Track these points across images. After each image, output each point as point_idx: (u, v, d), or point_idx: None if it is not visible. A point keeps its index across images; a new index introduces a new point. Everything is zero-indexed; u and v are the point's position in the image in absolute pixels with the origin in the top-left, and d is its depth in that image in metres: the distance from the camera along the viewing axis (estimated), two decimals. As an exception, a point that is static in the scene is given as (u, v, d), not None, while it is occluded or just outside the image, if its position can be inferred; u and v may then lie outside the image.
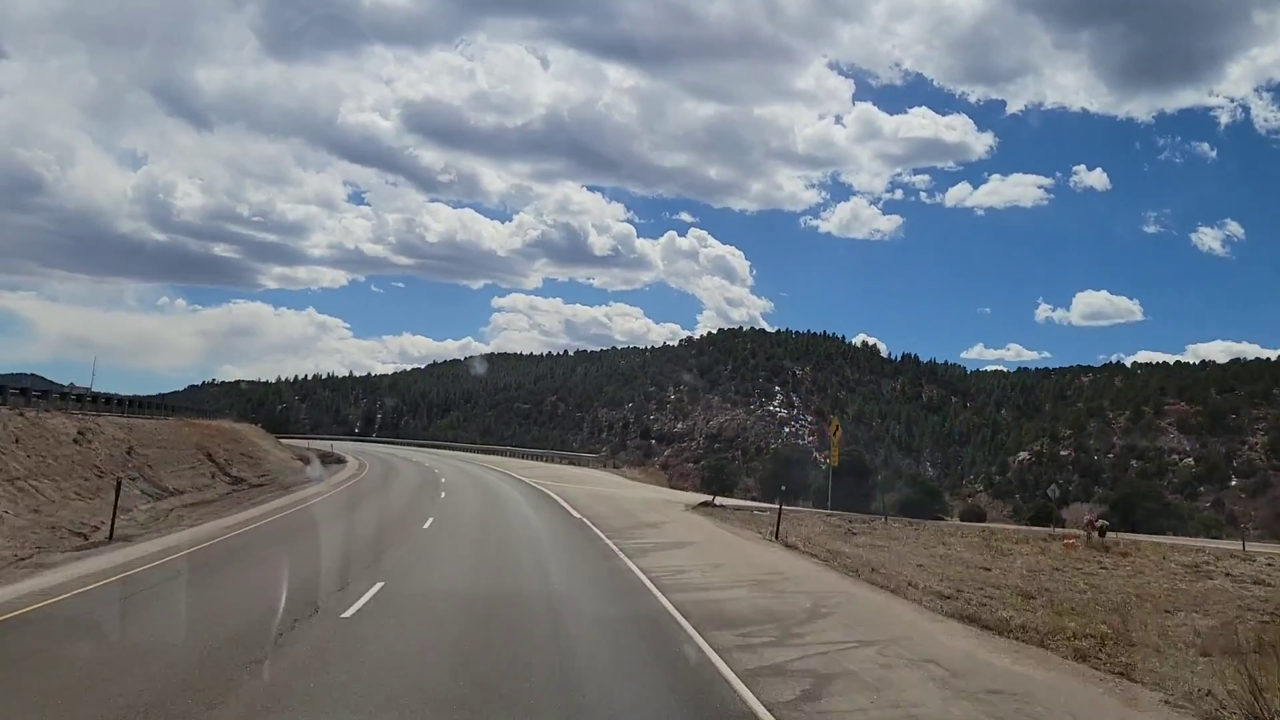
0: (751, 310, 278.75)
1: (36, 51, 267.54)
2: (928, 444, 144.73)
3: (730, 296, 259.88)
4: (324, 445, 77.96)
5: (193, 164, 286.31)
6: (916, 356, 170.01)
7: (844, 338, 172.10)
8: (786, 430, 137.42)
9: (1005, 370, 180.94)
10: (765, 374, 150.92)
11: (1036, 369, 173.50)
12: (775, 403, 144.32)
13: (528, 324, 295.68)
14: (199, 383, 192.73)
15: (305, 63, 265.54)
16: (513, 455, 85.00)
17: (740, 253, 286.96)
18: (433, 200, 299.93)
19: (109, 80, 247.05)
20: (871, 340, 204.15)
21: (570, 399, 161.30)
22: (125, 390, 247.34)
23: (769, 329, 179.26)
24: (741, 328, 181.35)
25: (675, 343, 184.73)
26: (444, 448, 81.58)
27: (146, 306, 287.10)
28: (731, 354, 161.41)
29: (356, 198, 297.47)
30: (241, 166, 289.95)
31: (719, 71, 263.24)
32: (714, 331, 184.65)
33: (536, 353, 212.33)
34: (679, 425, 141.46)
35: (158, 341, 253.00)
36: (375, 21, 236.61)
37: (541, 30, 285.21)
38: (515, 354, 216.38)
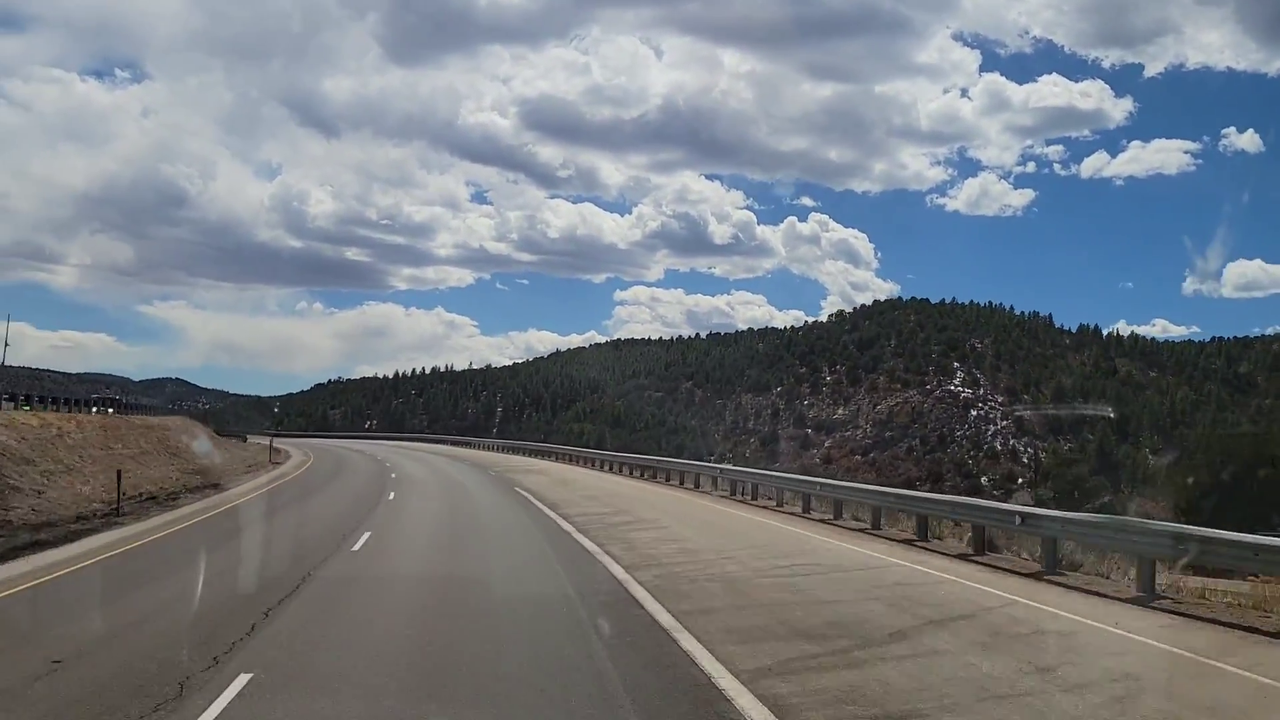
0: (877, 294, 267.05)
1: (176, 71, 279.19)
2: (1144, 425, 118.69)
3: (855, 280, 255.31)
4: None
5: (323, 171, 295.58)
6: (1097, 327, 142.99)
7: (1012, 308, 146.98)
8: (974, 413, 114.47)
9: (1196, 341, 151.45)
10: (940, 348, 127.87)
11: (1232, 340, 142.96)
12: (956, 381, 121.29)
13: (650, 316, 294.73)
14: (324, 381, 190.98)
15: (425, 66, 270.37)
16: (624, 467, 66.66)
17: (863, 235, 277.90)
18: (553, 196, 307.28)
19: (244, 95, 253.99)
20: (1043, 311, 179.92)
21: (708, 385, 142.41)
22: (265, 391, 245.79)
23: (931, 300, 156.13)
24: (901, 298, 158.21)
25: (825, 318, 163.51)
26: (544, 453, 65.19)
27: (286, 311, 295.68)
28: (894, 328, 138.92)
29: (479, 197, 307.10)
30: (369, 171, 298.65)
31: (837, 50, 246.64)
32: (868, 303, 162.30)
33: (665, 337, 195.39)
34: (839, 411, 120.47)
35: (297, 344, 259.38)
36: (491, 21, 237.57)
37: (655, 19, 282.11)
38: (643, 339, 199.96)
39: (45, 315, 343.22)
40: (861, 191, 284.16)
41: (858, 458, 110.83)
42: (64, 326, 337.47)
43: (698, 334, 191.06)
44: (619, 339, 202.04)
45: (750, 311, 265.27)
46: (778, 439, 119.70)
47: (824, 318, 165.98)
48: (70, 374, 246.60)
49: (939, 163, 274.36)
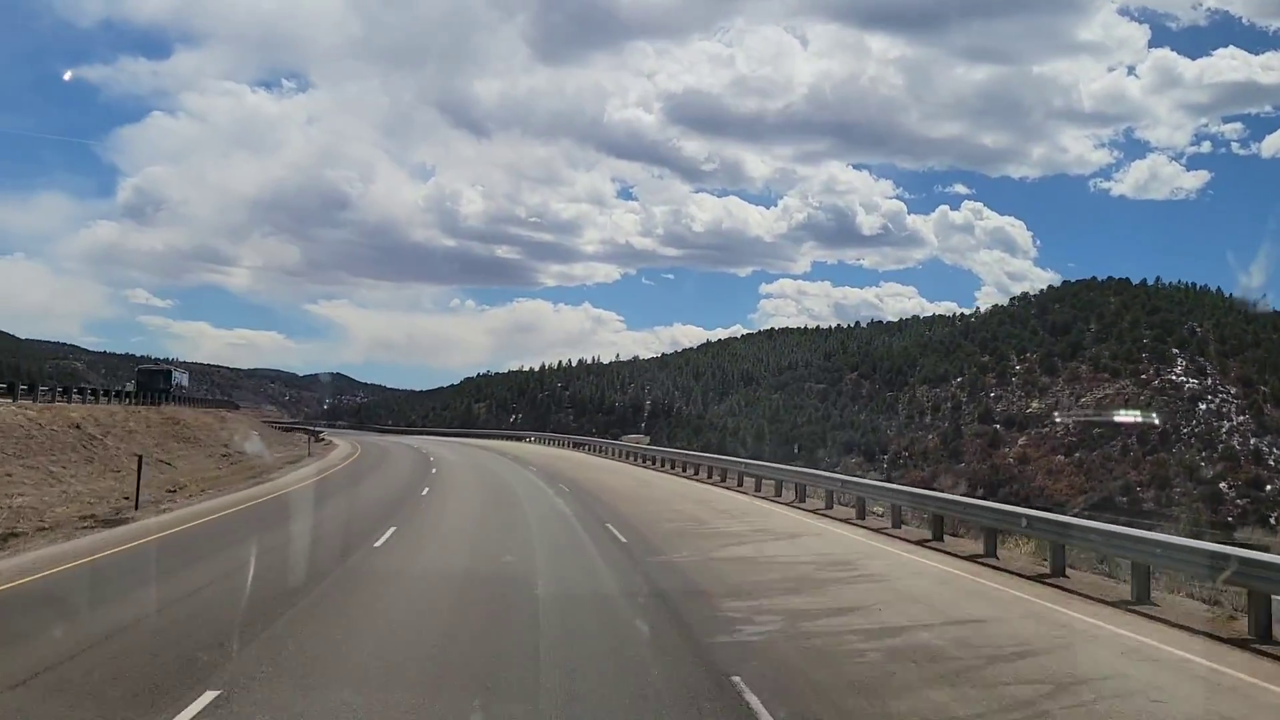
0: (1036, 283, 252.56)
1: (337, 79, 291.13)
2: None
3: (1011, 270, 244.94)
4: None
5: (474, 171, 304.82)
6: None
7: (1218, 289, 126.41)
8: (1203, 407, 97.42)
9: None
10: (1153, 332, 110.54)
11: None
12: (1177, 370, 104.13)
13: (796, 309, 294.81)
14: (473, 375, 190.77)
15: (572, 65, 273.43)
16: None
17: (1020, 223, 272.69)
18: (697, 190, 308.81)
19: (399, 100, 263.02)
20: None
21: (876, 376, 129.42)
22: (420, 385, 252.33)
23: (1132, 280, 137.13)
24: (1095, 278, 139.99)
25: (1005, 301, 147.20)
26: (682, 464, 53.25)
27: (441, 308, 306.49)
28: (1093, 310, 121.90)
29: (624, 193, 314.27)
30: (518, 170, 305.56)
31: (992, 30, 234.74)
32: (1057, 284, 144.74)
33: (823, 326, 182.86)
34: (1034, 404, 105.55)
35: (452, 340, 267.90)
36: (636, 17, 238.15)
37: (800, 7, 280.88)
38: (798, 328, 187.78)
39: (222, 314, 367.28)
40: (1019, 177, 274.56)
41: (1060, 457, 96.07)
42: (238, 325, 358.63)
43: (857, 322, 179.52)
44: (772, 328, 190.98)
45: (899, 304, 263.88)
46: (960, 434, 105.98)
47: (981, 308, 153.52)
48: (241, 369, 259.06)
49: (1103, 145, 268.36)
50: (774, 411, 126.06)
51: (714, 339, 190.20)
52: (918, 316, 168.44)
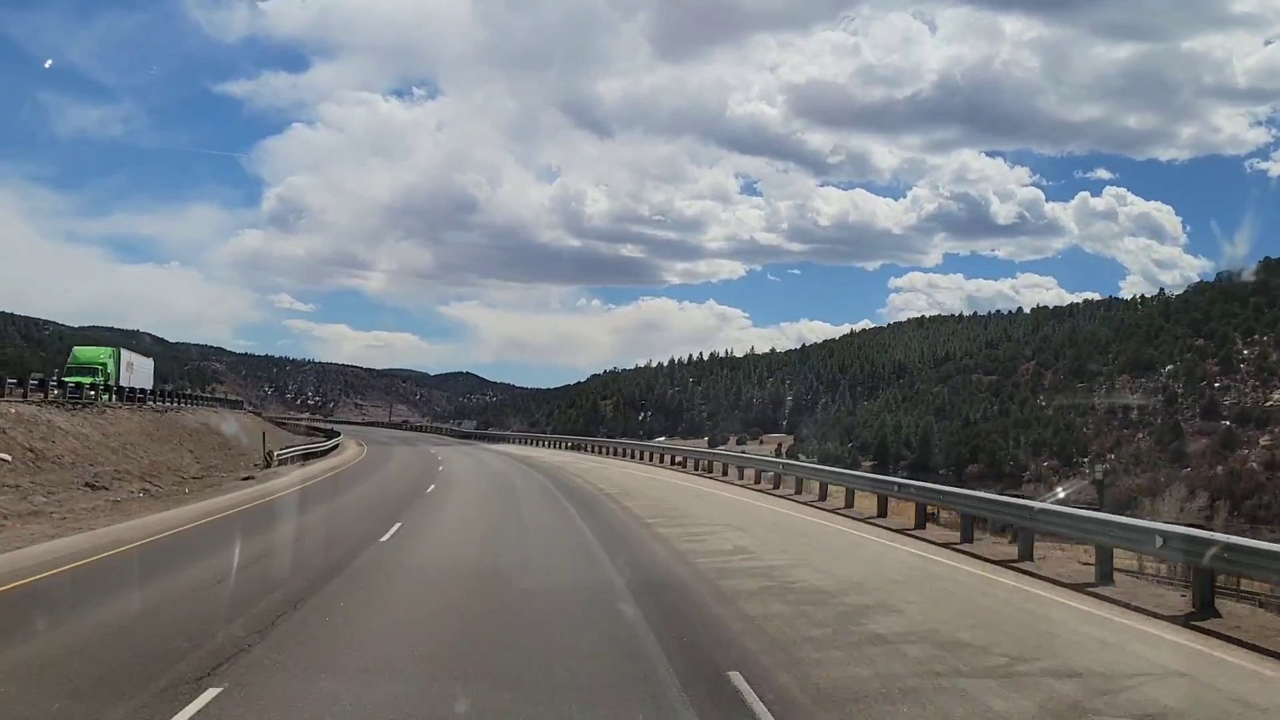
0: (1186, 271, 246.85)
1: (465, 85, 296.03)
2: None
3: (1159, 258, 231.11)
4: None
5: (598, 172, 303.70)
6: None
7: None
8: None
9: None
10: None
11: None
12: None
13: (926, 303, 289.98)
14: (599, 372, 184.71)
15: (693, 61, 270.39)
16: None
17: (1168, 208, 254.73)
18: (823, 184, 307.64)
19: (525, 103, 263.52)
20: None
21: (1058, 366, 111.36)
22: (548, 384, 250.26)
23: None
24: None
25: (1210, 276, 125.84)
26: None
27: (568, 308, 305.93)
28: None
29: (748, 188, 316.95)
30: (641, 169, 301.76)
31: (1135, 5, 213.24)
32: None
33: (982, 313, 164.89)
34: (1275, 395, 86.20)
35: (579, 339, 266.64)
36: (758, 9, 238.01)
37: None
38: (953, 315, 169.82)
39: (360, 317, 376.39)
40: (1166, 160, 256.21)
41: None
42: (375, 327, 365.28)
43: (1019, 308, 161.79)
44: (922, 316, 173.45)
45: (1037, 295, 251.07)
46: (1180, 433, 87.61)
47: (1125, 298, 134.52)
48: (375, 370, 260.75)
49: (1260, 123, 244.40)
50: (939, 406, 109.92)
51: (841, 333, 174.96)
52: (1113, 296, 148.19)
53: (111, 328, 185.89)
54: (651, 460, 43.37)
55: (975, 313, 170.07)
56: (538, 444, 66.20)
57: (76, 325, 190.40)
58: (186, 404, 50.05)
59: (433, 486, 26.60)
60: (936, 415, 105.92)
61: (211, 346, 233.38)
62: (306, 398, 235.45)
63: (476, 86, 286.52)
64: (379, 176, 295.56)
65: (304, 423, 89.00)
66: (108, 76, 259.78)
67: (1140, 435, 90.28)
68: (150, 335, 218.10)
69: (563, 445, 60.68)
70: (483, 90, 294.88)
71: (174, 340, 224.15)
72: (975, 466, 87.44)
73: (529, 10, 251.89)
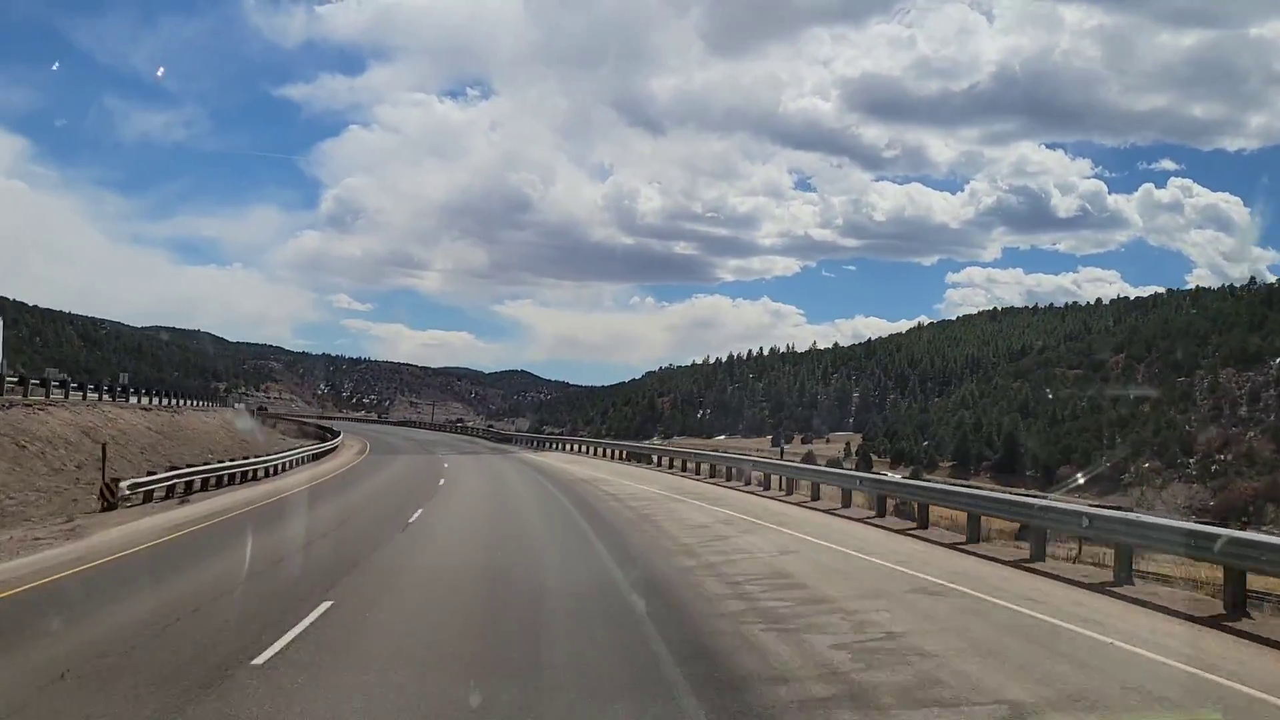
0: (1256, 264, 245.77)
1: (518, 84, 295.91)
2: None
3: (1226, 250, 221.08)
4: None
5: (651, 169, 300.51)
6: None
7: None
8: None
9: None
10: None
11: None
12: None
13: (985, 298, 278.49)
14: (654, 369, 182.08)
15: (747, 57, 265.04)
16: None
17: (1236, 199, 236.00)
18: (878, 179, 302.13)
19: (577, 101, 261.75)
20: None
21: (1150, 358, 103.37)
22: (601, 382, 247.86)
23: None
24: None
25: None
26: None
27: (620, 306, 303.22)
28: None
29: (802, 184, 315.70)
30: (694, 166, 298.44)
31: None
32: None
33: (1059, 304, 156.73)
34: None
35: (632, 337, 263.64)
36: (812, 3, 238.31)
37: None
38: (1025, 307, 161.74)
39: (416, 316, 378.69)
40: (1234, 150, 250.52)
41: None
42: (431, 326, 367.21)
43: (1098, 299, 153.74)
44: (995, 308, 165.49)
45: (1099, 289, 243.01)
46: (1297, 432, 79.55)
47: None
48: (431, 368, 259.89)
49: None
50: (1022, 403, 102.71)
51: (903, 329, 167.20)
52: (1204, 288, 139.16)
53: (172, 327, 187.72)
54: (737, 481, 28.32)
55: (1036, 305, 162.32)
56: (589, 450, 50.99)
57: (139, 325, 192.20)
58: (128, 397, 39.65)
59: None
60: (1020, 413, 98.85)
61: (270, 346, 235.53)
62: (361, 396, 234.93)
63: (529, 86, 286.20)
64: (434, 177, 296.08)
65: (310, 422, 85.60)
66: (171, 82, 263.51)
67: (1251, 433, 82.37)
68: (210, 335, 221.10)
69: (617, 454, 45.36)
70: (535, 89, 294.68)
71: (234, 340, 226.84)
72: (1067, 467, 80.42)
73: (581, 9, 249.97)
